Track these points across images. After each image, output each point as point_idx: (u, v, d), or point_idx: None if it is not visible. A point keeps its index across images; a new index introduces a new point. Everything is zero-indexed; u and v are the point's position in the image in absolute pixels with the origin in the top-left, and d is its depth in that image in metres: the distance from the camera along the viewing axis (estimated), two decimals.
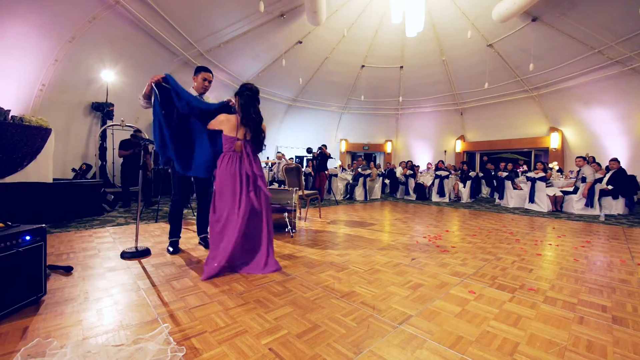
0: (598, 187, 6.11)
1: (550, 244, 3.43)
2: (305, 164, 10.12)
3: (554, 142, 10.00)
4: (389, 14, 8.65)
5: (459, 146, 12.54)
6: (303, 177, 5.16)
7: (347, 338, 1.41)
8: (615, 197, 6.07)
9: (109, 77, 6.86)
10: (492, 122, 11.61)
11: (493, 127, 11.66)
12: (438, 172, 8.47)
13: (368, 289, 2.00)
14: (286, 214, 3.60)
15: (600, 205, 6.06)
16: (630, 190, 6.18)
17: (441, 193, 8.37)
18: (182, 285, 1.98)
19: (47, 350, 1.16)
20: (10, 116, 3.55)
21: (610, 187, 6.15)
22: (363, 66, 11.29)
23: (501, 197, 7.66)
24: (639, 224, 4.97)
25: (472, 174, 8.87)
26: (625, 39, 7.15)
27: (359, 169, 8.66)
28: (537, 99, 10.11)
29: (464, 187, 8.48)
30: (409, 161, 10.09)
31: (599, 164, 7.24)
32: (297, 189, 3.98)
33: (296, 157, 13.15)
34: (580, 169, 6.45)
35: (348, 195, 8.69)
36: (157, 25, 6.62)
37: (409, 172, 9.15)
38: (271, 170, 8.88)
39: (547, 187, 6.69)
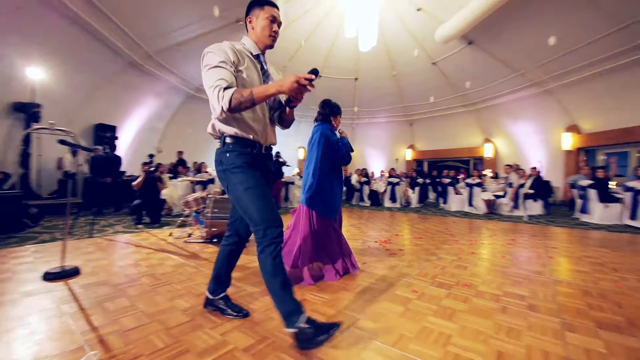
0: (522, 191, 6.99)
1: (484, 243, 3.83)
2: None
3: (487, 151, 11.25)
4: (344, 28, 9.04)
5: (409, 154, 13.44)
6: None
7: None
8: (535, 200, 7.00)
9: (36, 74, 6.06)
10: (438, 132, 12.68)
11: (438, 137, 12.75)
12: (390, 179, 8.95)
13: (319, 296, 2.03)
14: None
15: (524, 207, 6.94)
16: (545, 194, 7.18)
17: (393, 199, 8.85)
18: (117, 306, 1.81)
19: None
20: None
21: (531, 191, 7.07)
22: (320, 76, 11.58)
23: (445, 202, 8.35)
24: (553, 222, 5.79)
25: (420, 180, 9.54)
26: (540, 65, 8.38)
27: None
28: (474, 113, 11.32)
29: (413, 192, 9.07)
30: (364, 169, 10.50)
31: (524, 171, 8.30)
32: None
33: None
34: (508, 176, 7.33)
35: None
36: (96, 21, 6.05)
37: (363, 179, 9.52)
38: None
39: (482, 192, 7.47)
